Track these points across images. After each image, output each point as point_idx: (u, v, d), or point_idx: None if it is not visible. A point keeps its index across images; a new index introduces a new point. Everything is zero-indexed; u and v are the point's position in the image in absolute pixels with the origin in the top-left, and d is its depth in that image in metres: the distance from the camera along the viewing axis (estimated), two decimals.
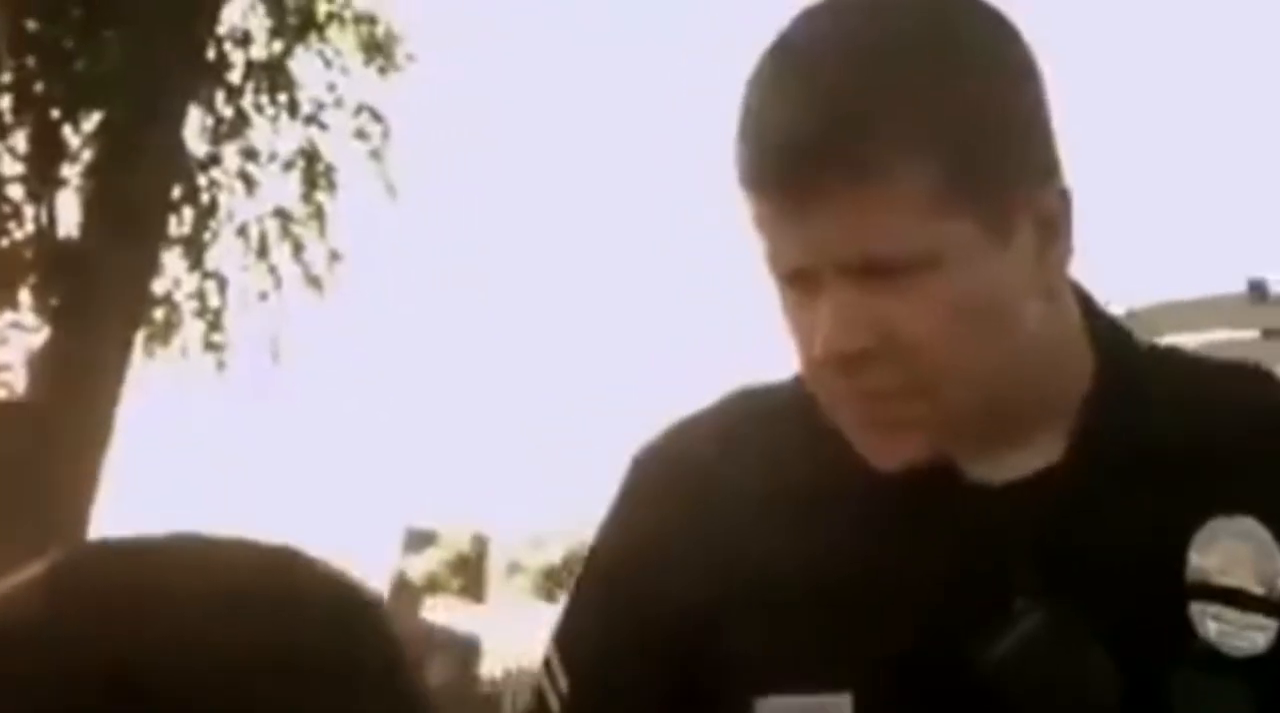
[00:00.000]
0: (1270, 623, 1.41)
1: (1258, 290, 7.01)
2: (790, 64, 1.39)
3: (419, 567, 26.03)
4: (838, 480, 1.45)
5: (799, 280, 1.40)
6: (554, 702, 1.53)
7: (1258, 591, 1.42)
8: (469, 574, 26.85)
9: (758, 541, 1.47)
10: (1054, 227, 1.42)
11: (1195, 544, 1.42)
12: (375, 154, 10.82)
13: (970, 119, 1.38)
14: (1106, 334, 1.49)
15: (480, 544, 26.99)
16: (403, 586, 23.28)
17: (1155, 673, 1.40)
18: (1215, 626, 1.41)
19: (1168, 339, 7.23)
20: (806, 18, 1.41)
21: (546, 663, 1.55)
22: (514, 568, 27.40)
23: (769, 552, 1.46)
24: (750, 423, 1.53)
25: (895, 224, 1.35)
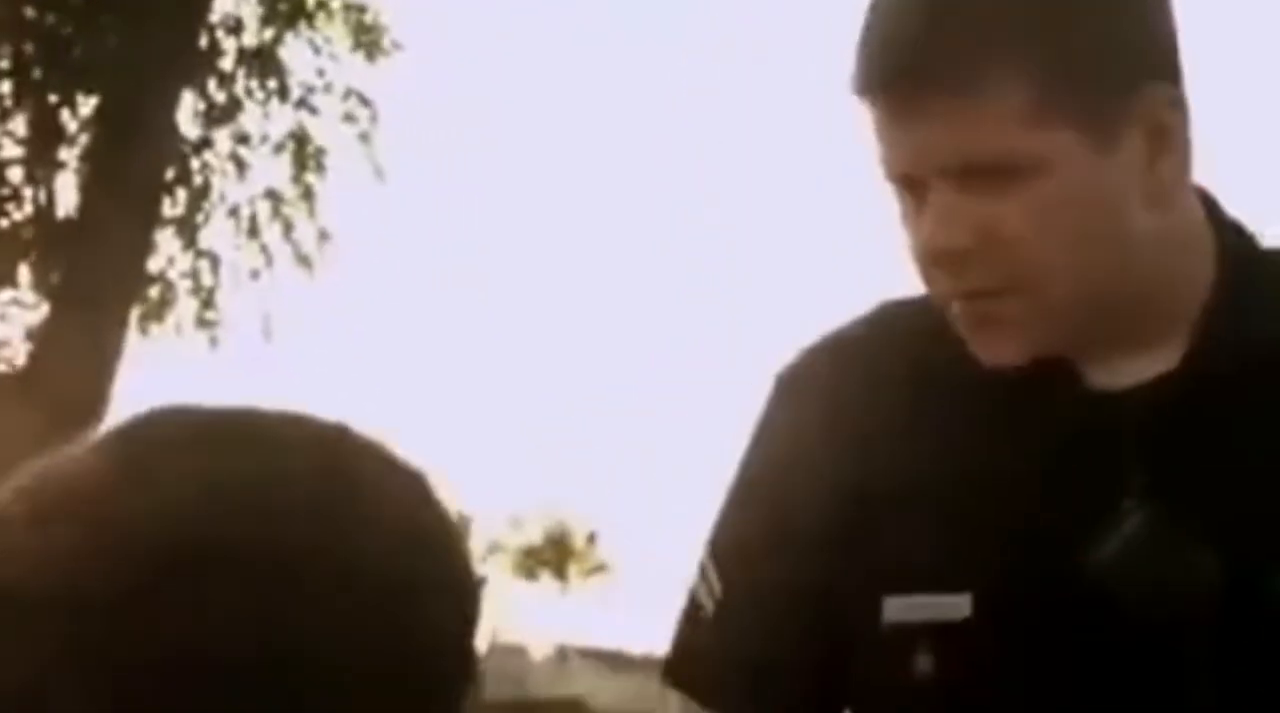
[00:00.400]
0: None
1: None
2: None
3: None
4: (965, 384, 1.47)
5: (907, 185, 1.43)
6: (709, 604, 1.57)
7: None
8: None
9: (889, 446, 1.50)
10: (1166, 136, 1.41)
11: None
12: (364, 137, 10.96)
13: (1072, 28, 1.39)
14: (1231, 241, 1.49)
15: (461, 524, 27.10)
16: None
17: (1260, 576, 1.40)
18: None
19: None
20: None
21: (701, 569, 1.58)
22: (494, 547, 27.56)
23: (901, 456, 1.49)
24: (886, 332, 1.56)
25: (993, 133, 1.37)
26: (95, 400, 9.49)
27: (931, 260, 1.43)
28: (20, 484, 0.95)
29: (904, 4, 1.41)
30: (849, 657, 1.51)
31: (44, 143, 10.21)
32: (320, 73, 11.11)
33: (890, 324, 1.56)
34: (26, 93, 10.20)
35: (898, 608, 1.47)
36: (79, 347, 9.49)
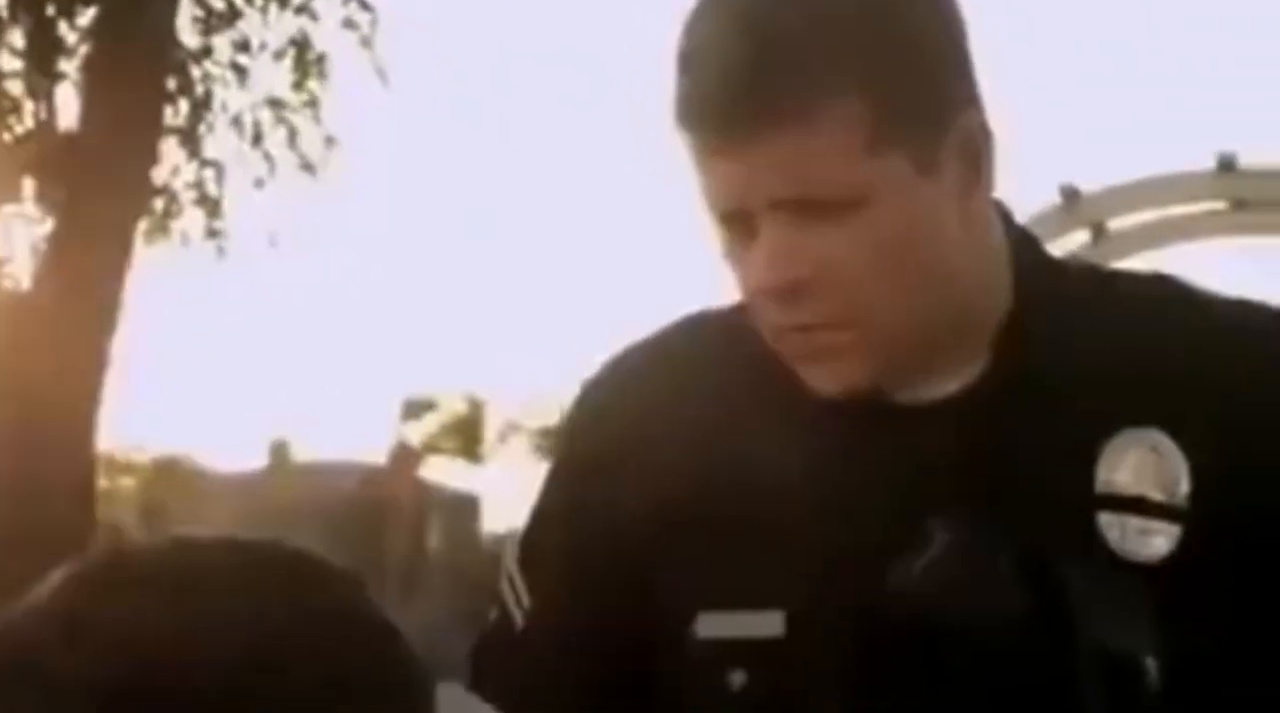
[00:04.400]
0: (1172, 528, 1.44)
1: (1226, 163, 7.21)
2: (724, 3, 1.41)
3: (417, 432, 26.28)
4: (773, 402, 1.48)
5: (735, 220, 1.42)
6: (517, 616, 1.58)
7: (1159, 497, 1.44)
8: (466, 436, 27.10)
9: (698, 460, 1.50)
10: (978, 156, 1.43)
11: (1104, 456, 1.45)
12: (365, 42, 10.90)
13: (899, 55, 1.39)
14: (1025, 255, 1.52)
15: (477, 407, 27.23)
16: (402, 449, 23.55)
17: (1063, 582, 1.43)
18: (1118, 533, 1.44)
19: (1136, 218, 7.43)
20: None
21: (509, 577, 1.59)
22: (511, 429, 27.71)
23: (709, 471, 1.49)
24: (695, 346, 1.55)
25: (827, 164, 1.37)
26: (104, 316, 9.51)
27: (765, 296, 1.43)
28: None
29: (728, 35, 1.39)
30: (658, 671, 1.51)
31: (43, 55, 10.15)
32: None
33: (698, 337, 1.56)
34: (25, 5, 10.12)
35: (711, 624, 1.48)
36: (86, 262, 9.48)
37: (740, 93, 1.37)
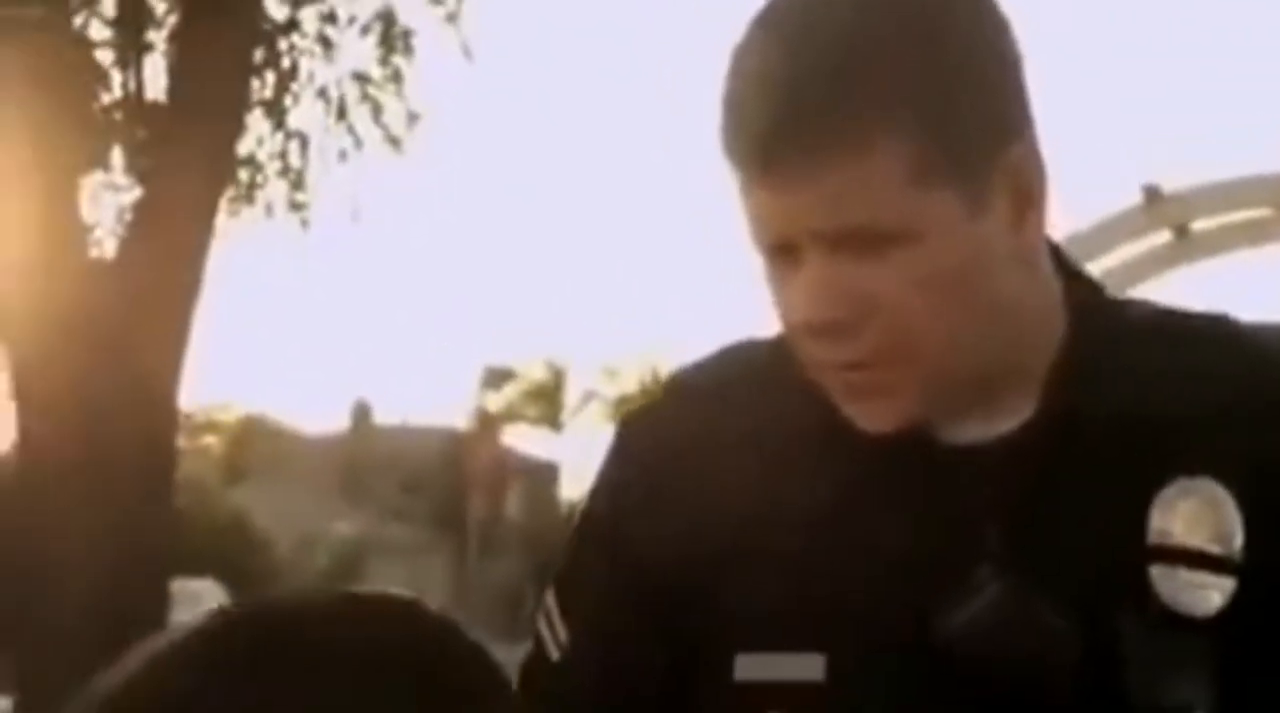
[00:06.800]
0: (1226, 582, 1.41)
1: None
2: (771, 34, 1.39)
3: (497, 401, 26.37)
4: (821, 440, 1.46)
5: (780, 252, 1.40)
6: (553, 651, 1.55)
7: (1215, 550, 1.41)
8: (546, 404, 27.15)
9: (742, 499, 1.47)
10: (1029, 191, 1.41)
11: (1156, 506, 1.42)
12: (451, 17, 10.93)
13: (949, 89, 1.37)
14: (1080, 294, 1.49)
15: (557, 375, 27.28)
16: (483, 416, 23.65)
17: (1115, 635, 1.40)
18: (1171, 586, 1.40)
19: (1220, 220, 7.39)
20: None
21: (546, 614, 1.56)
22: (589, 396, 27.78)
23: (753, 510, 1.47)
24: (742, 379, 1.53)
25: (873, 198, 1.35)
26: (189, 285, 9.63)
27: (808, 332, 1.41)
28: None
29: (775, 63, 1.37)
30: (694, 708, 1.49)
31: (132, 25, 10.23)
32: None
33: (739, 372, 1.54)
34: None
35: (749, 666, 1.45)
36: (171, 230, 9.59)
37: (784, 126, 1.36)
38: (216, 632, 0.99)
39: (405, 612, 1.03)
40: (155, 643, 0.99)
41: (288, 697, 0.96)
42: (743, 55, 1.40)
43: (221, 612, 1.00)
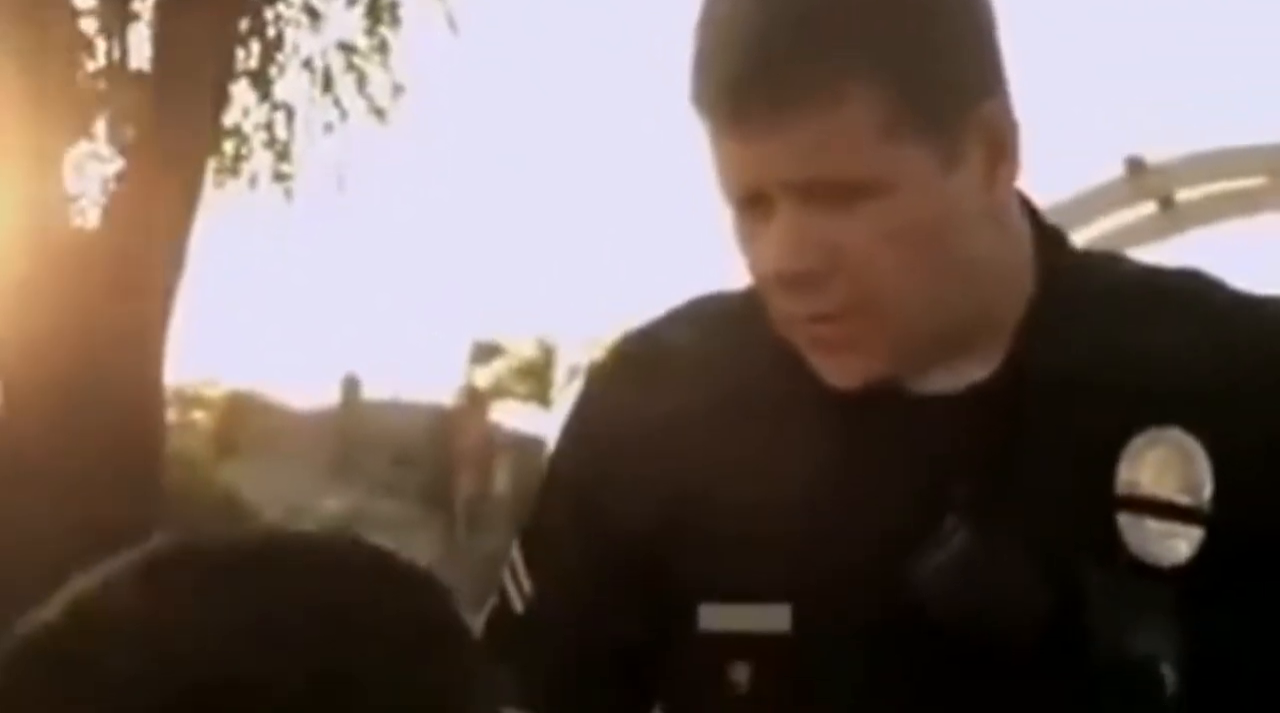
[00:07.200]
0: (1194, 532, 1.41)
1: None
2: None
3: (486, 376, 26.36)
4: (789, 392, 1.46)
5: (749, 203, 1.39)
6: (518, 603, 1.55)
7: (1183, 500, 1.42)
8: (535, 380, 27.14)
9: (709, 449, 1.47)
10: (1002, 146, 1.40)
11: (1125, 456, 1.42)
12: None
13: (919, 39, 1.36)
14: (1049, 247, 1.48)
15: (547, 351, 27.27)
16: (470, 392, 23.64)
17: (1081, 585, 1.40)
18: (1139, 535, 1.41)
19: (1204, 190, 7.40)
20: None
21: (511, 564, 1.56)
22: (578, 373, 27.71)
23: (719, 460, 1.46)
24: (710, 332, 1.53)
25: (844, 150, 1.34)
26: (173, 255, 9.59)
27: (778, 283, 1.40)
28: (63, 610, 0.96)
29: (743, 15, 1.36)
30: (664, 664, 1.49)
31: None
32: None
33: (706, 324, 1.53)
34: None
35: (714, 616, 1.45)
36: (155, 201, 9.55)
37: (753, 75, 1.34)
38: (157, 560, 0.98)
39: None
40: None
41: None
42: (713, 3, 1.39)
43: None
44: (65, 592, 0.97)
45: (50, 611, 0.96)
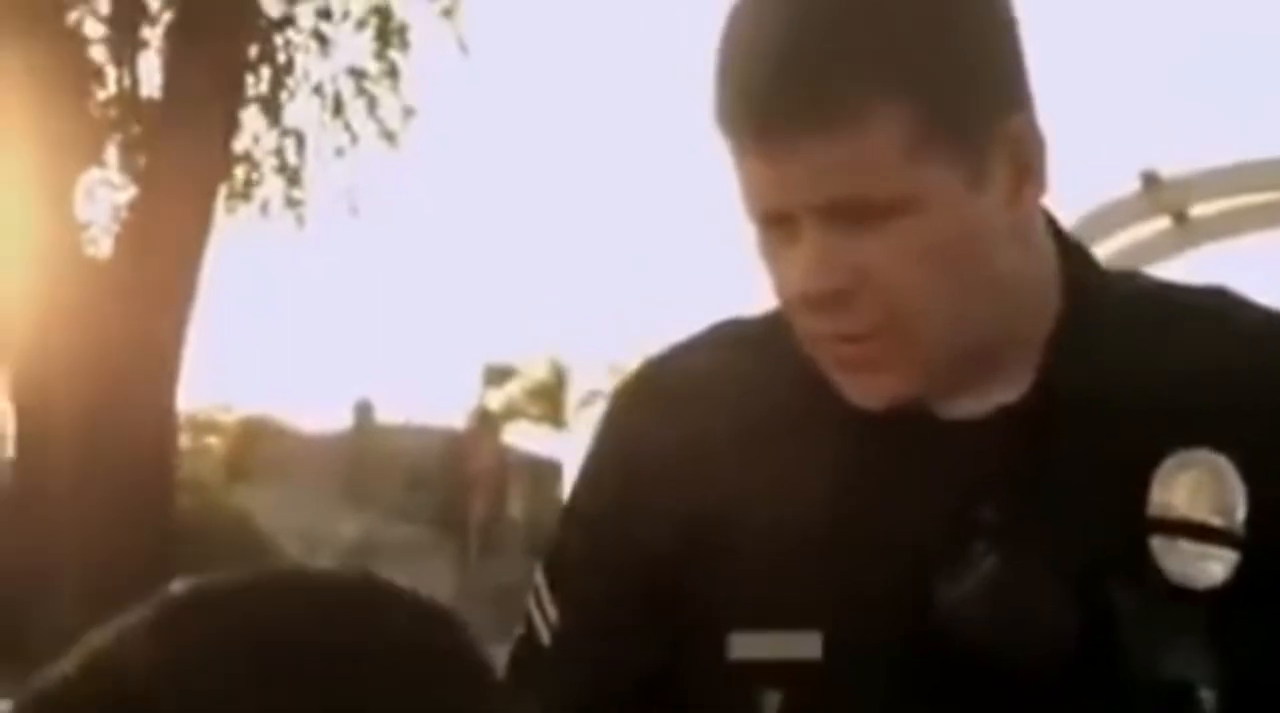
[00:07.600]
0: (1228, 554, 1.40)
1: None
2: (765, 4, 1.37)
3: (499, 399, 26.38)
4: (814, 416, 1.44)
5: (774, 222, 1.38)
6: (544, 633, 1.54)
7: (1216, 522, 1.40)
8: (548, 401, 27.12)
9: (737, 475, 1.46)
10: (1028, 165, 1.38)
11: (1157, 478, 1.40)
12: (447, 12, 10.92)
13: (947, 59, 1.35)
14: (1076, 267, 1.47)
15: (560, 373, 27.28)
16: (483, 414, 23.65)
17: (1113, 608, 1.38)
18: (1173, 558, 1.39)
19: (1218, 205, 7.33)
20: None
21: (536, 593, 1.55)
22: (593, 395, 27.67)
23: (747, 486, 1.45)
24: (733, 356, 1.51)
25: (871, 170, 1.33)
26: (184, 282, 9.62)
27: (804, 303, 1.38)
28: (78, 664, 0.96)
29: (769, 33, 1.34)
30: (690, 693, 1.47)
31: (127, 22, 10.23)
32: None
33: (732, 348, 1.51)
34: None
35: (745, 644, 1.44)
36: (165, 227, 9.58)
37: (779, 95, 1.33)
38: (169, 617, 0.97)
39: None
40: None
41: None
42: (736, 21, 1.37)
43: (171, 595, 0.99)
44: (81, 645, 0.97)
45: (67, 664, 0.96)
